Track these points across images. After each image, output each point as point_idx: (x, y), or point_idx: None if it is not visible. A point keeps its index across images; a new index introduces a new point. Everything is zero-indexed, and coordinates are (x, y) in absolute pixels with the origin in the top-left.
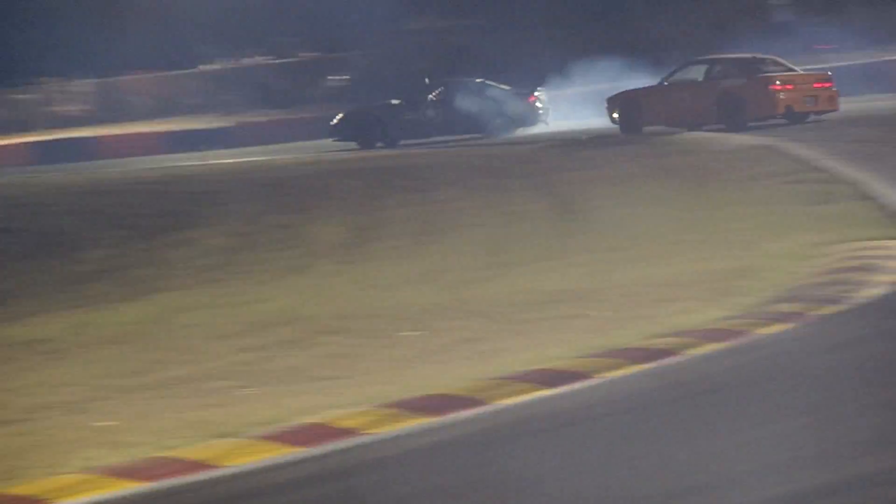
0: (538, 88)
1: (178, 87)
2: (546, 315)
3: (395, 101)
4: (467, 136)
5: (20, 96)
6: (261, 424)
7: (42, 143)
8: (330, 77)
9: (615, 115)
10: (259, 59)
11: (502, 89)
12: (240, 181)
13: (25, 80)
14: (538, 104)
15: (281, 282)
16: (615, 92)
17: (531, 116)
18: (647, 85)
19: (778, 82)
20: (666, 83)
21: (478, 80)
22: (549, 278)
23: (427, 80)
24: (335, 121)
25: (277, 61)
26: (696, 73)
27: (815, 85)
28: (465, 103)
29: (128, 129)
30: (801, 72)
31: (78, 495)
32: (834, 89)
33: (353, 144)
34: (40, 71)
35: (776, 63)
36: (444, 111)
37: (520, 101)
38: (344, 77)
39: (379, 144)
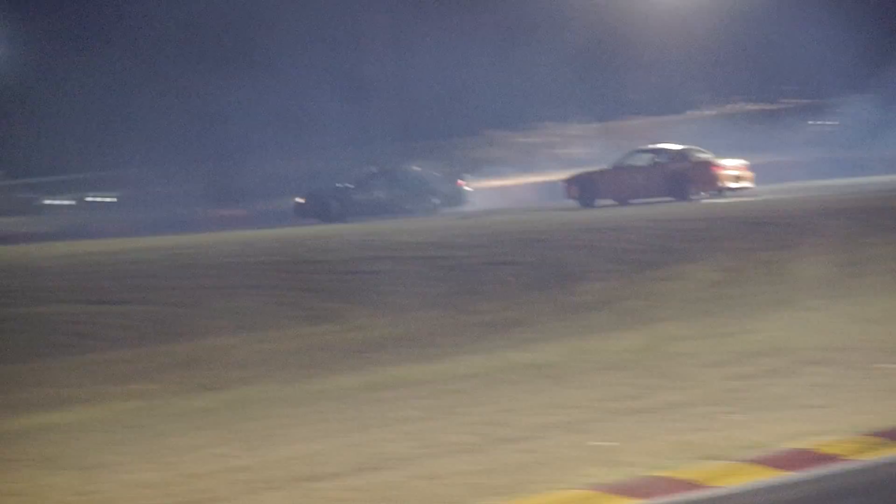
0: (464, 174)
1: (669, 132)
2: None
3: (346, 185)
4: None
5: (524, 140)
6: (747, 448)
7: (546, 184)
8: (811, 122)
9: (573, 192)
10: (743, 106)
11: (434, 175)
12: (726, 219)
13: (529, 125)
14: (465, 188)
15: (767, 314)
16: (573, 174)
17: (459, 198)
18: (599, 168)
19: (717, 165)
20: (617, 167)
21: (414, 167)
22: None
23: (373, 169)
24: (301, 200)
25: (761, 107)
26: (641, 159)
27: (738, 168)
28: (406, 186)
29: None
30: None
31: None
32: (749, 172)
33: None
34: (544, 116)
35: (701, 151)
36: (387, 192)
37: (450, 185)
38: (828, 122)
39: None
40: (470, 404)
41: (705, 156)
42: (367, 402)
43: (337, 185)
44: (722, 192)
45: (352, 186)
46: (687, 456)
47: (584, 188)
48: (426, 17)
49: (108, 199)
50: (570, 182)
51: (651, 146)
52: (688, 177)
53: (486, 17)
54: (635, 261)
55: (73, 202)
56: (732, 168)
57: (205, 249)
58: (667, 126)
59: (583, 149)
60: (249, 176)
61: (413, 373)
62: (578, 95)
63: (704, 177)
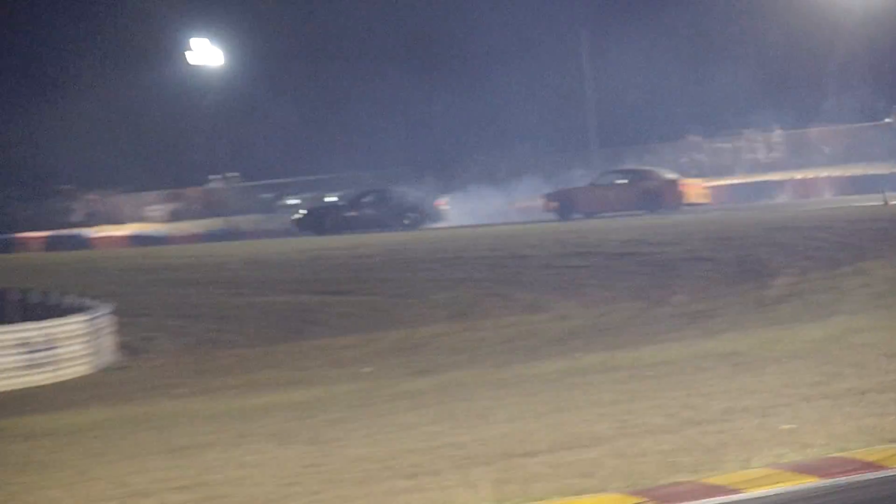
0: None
1: (861, 138)
2: None
3: (338, 202)
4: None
5: (722, 145)
6: None
7: (738, 186)
8: None
9: (552, 206)
10: None
11: (417, 195)
12: None
13: (728, 131)
14: (443, 207)
15: None
16: (552, 190)
17: (437, 216)
18: (576, 186)
19: (683, 184)
20: (592, 184)
21: (398, 187)
22: None
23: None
24: (300, 215)
25: None
26: (614, 178)
27: (699, 187)
28: (389, 204)
29: (812, 174)
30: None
31: (766, 487)
32: (706, 190)
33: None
34: (743, 122)
35: (666, 171)
36: (374, 210)
37: (429, 204)
38: None
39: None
40: (663, 389)
41: (672, 175)
42: (568, 385)
43: (331, 202)
44: (690, 207)
45: (344, 204)
46: (868, 439)
47: (563, 203)
48: (631, 28)
49: (335, 200)
50: (549, 197)
51: (622, 167)
52: (659, 193)
53: (688, 26)
54: (819, 258)
55: (304, 202)
56: (695, 186)
57: (422, 245)
58: (860, 132)
59: (777, 154)
60: (463, 179)
61: (610, 359)
62: (777, 102)
63: (673, 194)
